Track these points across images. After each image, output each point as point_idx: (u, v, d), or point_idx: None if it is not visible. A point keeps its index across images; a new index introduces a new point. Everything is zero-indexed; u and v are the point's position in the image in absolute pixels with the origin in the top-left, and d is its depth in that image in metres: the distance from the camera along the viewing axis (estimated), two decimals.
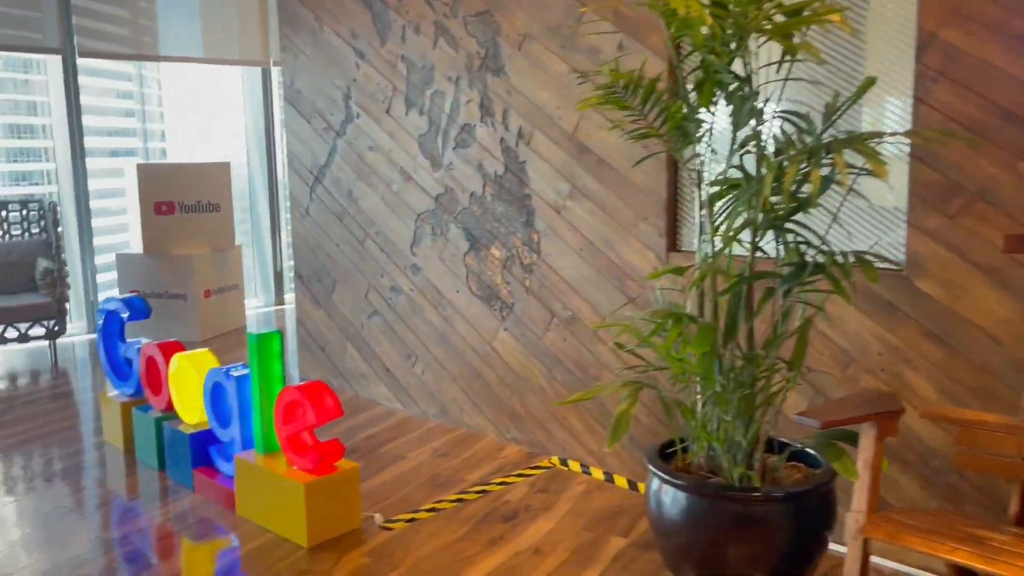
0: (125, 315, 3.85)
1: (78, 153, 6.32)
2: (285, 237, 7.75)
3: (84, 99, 6.35)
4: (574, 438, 3.64)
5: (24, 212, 5.93)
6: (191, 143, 10.28)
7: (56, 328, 5.47)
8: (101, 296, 6.54)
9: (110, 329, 4.02)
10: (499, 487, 3.42)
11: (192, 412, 3.49)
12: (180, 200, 6.17)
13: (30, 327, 5.43)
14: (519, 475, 3.54)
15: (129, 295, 3.93)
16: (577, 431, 3.63)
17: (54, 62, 6.25)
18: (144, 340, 3.90)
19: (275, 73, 7.45)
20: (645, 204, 3.25)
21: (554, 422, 3.71)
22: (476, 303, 3.98)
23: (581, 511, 3.17)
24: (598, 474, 3.52)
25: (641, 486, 3.37)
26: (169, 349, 3.63)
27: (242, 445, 3.22)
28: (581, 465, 3.62)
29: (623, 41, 3.22)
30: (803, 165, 1.98)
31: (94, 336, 6.40)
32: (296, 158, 4.89)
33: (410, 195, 4.22)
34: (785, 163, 2.11)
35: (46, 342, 5.73)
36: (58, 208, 5.74)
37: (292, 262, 7.76)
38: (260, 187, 7.55)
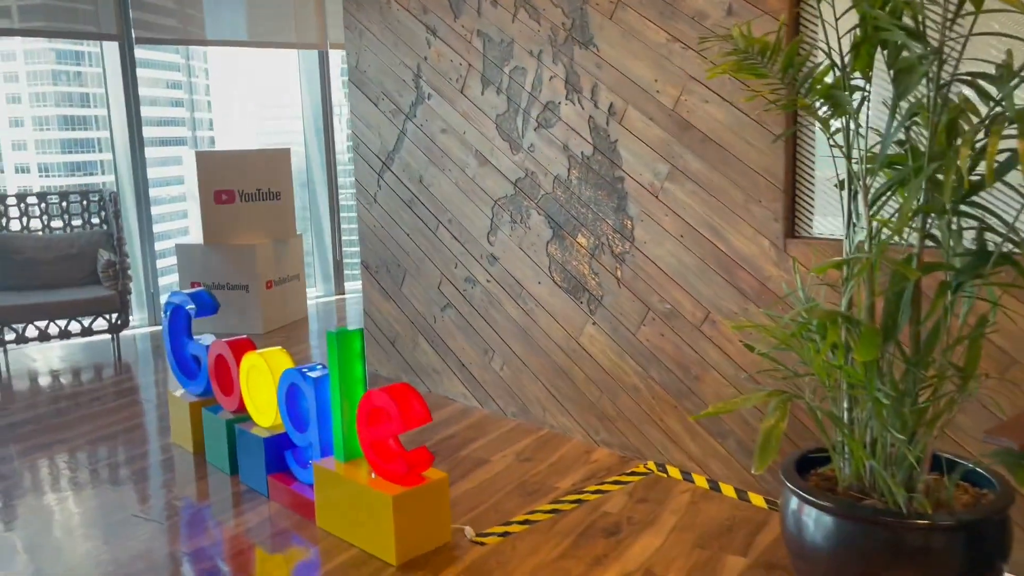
0: (191, 310, 3.65)
1: (136, 142, 6.19)
2: (345, 225, 7.57)
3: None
4: (672, 441, 3.36)
5: (84, 203, 5.80)
6: (242, 132, 10.17)
7: (119, 322, 5.34)
8: (161, 287, 6.42)
9: (176, 325, 3.83)
10: (595, 496, 3.15)
11: (265, 414, 3.28)
12: (240, 188, 5.99)
13: (93, 321, 5.30)
14: (615, 482, 3.27)
15: (196, 289, 3.73)
16: (676, 433, 3.34)
17: (110, 52, 6.10)
18: (211, 336, 3.71)
19: (332, 56, 7.23)
20: (758, 185, 2.93)
21: (649, 424, 3.43)
22: (560, 295, 3.70)
23: (690, 525, 2.89)
24: (701, 481, 3.23)
25: (753, 496, 3.07)
26: (240, 347, 3.42)
27: (321, 451, 3.00)
28: (681, 471, 3.33)
29: (733, 5, 2.89)
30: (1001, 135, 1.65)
31: (155, 328, 6.28)
32: (362, 143, 4.65)
33: (486, 180, 3.96)
34: (961, 136, 1.79)
35: (107, 335, 5.60)
36: (119, 199, 5.60)
37: (353, 250, 7.57)
38: (318, 174, 7.36)
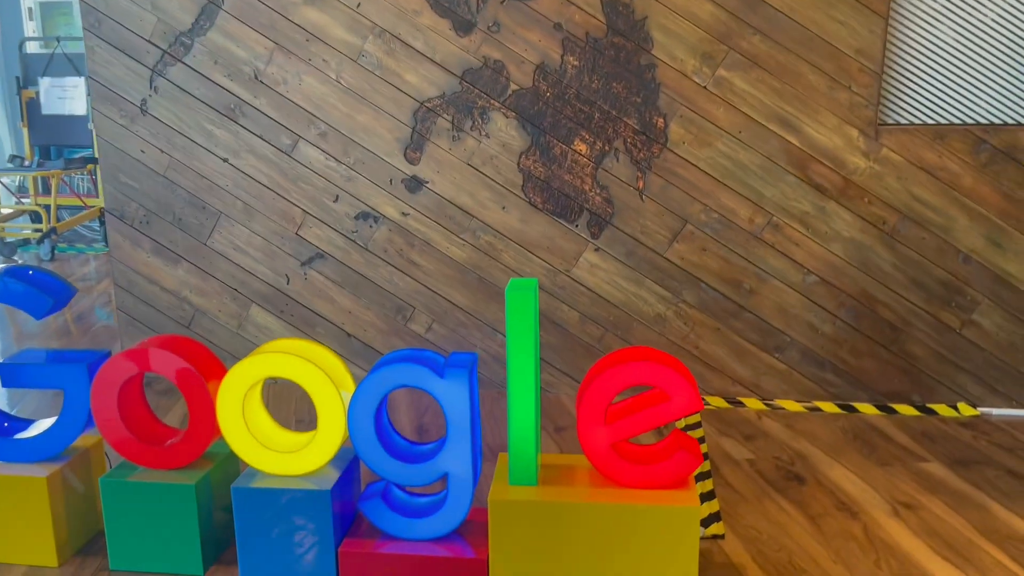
0: (41, 310, 1.88)
1: None
2: None
3: None
4: (713, 368, 2.98)
5: None
6: None
7: None
8: None
9: None
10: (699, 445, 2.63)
11: (305, 454, 1.91)
12: None
13: None
14: (687, 427, 2.77)
15: (22, 265, 1.94)
16: (717, 359, 2.97)
17: None
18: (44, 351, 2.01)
19: None
20: (847, 69, 2.70)
21: (682, 356, 2.98)
22: (541, 221, 2.93)
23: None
24: (755, 403, 2.95)
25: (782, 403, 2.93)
26: (199, 354, 1.91)
27: (474, 479, 1.89)
28: (726, 398, 2.99)
29: None
30: None
31: None
32: (108, 18, 2.93)
33: (405, 74, 2.87)
34: None
35: None
36: None
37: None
38: None
